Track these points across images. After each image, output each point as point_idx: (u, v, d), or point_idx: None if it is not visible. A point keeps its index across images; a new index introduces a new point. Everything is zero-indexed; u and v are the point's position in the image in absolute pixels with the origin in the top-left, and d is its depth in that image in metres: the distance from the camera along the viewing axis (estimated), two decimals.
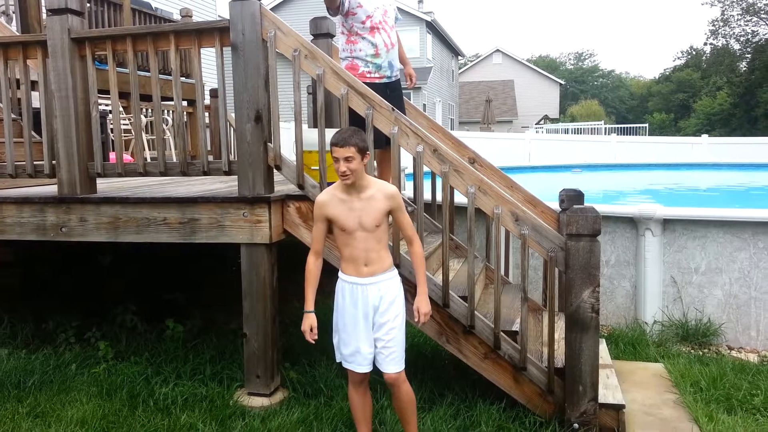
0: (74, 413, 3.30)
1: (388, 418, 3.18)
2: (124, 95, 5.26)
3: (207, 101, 8.21)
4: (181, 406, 3.38)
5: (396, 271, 2.84)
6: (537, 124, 35.94)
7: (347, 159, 2.60)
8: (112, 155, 4.41)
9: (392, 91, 4.13)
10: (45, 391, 3.63)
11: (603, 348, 4.01)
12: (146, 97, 4.41)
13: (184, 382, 3.67)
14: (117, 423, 3.22)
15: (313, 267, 2.87)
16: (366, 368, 2.79)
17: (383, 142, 3.61)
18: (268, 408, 3.38)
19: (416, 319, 2.80)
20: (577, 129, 30.17)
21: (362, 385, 2.85)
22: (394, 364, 2.75)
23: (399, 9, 4.40)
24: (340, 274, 2.83)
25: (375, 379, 2.92)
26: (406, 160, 3.91)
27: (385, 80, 4.11)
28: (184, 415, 3.25)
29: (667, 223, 4.76)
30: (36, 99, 4.26)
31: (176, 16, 9.23)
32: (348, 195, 2.71)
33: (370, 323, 2.75)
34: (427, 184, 4.65)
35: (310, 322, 2.83)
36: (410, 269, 3.24)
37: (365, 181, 2.72)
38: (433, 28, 29.89)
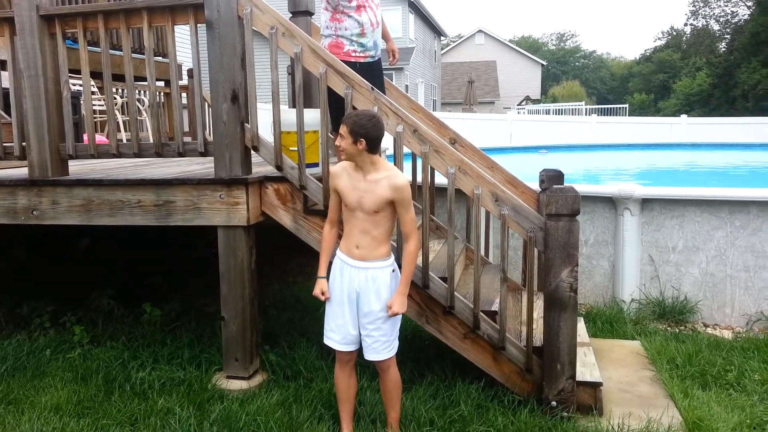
0: (48, 399, 3.25)
1: (368, 398, 3.19)
2: (98, 75, 5.14)
3: (184, 81, 8.06)
4: (158, 390, 3.35)
5: (391, 262, 2.77)
6: (519, 105, 35.98)
7: (340, 136, 2.64)
8: (97, 137, 4.30)
9: (373, 71, 4.08)
10: (18, 378, 3.57)
11: (581, 326, 4.04)
12: (120, 77, 4.30)
13: (161, 366, 3.64)
14: (92, 408, 3.18)
15: (327, 235, 2.89)
16: (347, 347, 2.80)
17: None
18: (247, 391, 3.36)
19: (386, 313, 2.74)
20: (559, 110, 30.26)
21: (348, 365, 2.85)
22: (375, 353, 2.76)
23: None
24: (338, 248, 2.84)
25: (360, 361, 2.91)
26: (387, 141, 3.87)
27: (369, 60, 4.06)
28: (161, 400, 3.22)
29: (645, 203, 4.80)
30: (5, 79, 4.14)
31: None
32: (356, 173, 2.70)
33: (354, 306, 2.75)
34: (408, 166, 4.63)
35: (321, 287, 2.83)
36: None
37: (375, 165, 2.66)
38: (415, 7, 29.61)
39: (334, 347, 2.83)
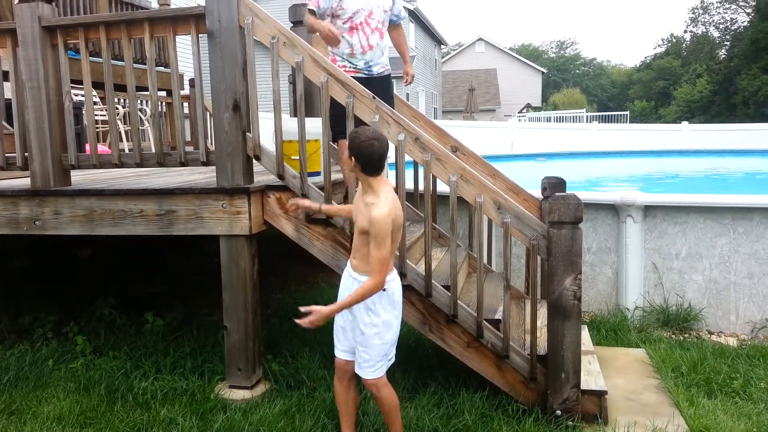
0: (51, 410, 3.24)
1: (371, 408, 3.17)
2: (100, 85, 5.16)
3: (186, 91, 8.09)
4: (160, 400, 3.34)
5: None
6: (520, 112, 36.02)
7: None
8: (99, 148, 4.31)
9: (373, 87, 4.02)
10: (20, 388, 3.56)
11: (585, 334, 4.02)
12: (122, 87, 4.33)
13: (164, 376, 3.62)
14: (95, 419, 3.17)
15: None
16: (342, 354, 2.79)
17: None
18: (249, 401, 3.34)
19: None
20: (560, 117, 30.30)
21: (345, 376, 2.82)
22: (362, 369, 2.72)
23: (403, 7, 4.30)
24: None
25: None
26: (389, 150, 3.87)
27: (361, 75, 4.01)
28: (163, 410, 3.20)
29: (648, 210, 4.79)
30: (8, 90, 4.15)
31: (155, 5, 9.06)
32: (362, 189, 2.68)
33: (353, 315, 2.72)
34: (410, 174, 4.63)
35: None
36: (416, 276, 3.22)
37: (372, 188, 2.61)
38: (415, 16, 29.73)
39: (335, 352, 2.82)
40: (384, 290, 2.64)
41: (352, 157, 2.57)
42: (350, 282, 2.73)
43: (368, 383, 2.72)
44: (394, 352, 2.81)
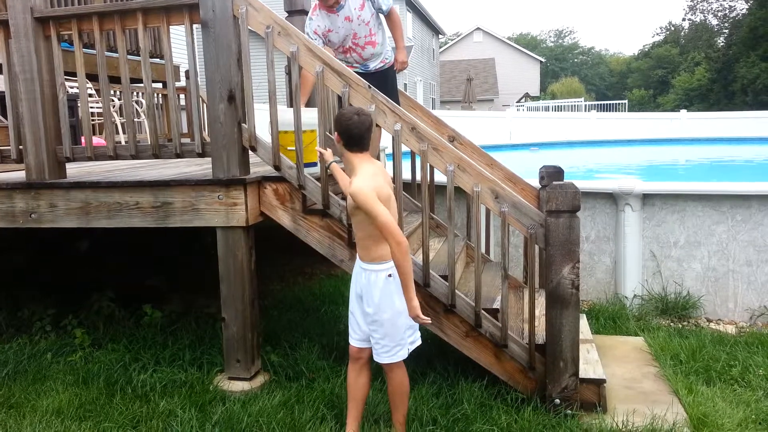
0: (50, 403, 3.24)
1: (370, 398, 3.16)
2: (95, 77, 5.12)
3: (183, 83, 8.04)
4: (159, 392, 3.33)
5: (386, 267, 2.65)
6: (518, 102, 35.92)
7: None
8: (95, 140, 4.28)
9: (373, 80, 4.03)
10: (19, 381, 3.56)
11: (583, 323, 4.02)
12: (118, 80, 4.29)
13: (162, 368, 3.62)
14: (94, 411, 3.17)
15: None
16: (356, 342, 2.80)
17: None
18: (248, 392, 3.34)
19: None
20: (558, 106, 30.23)
21: (358, 362, 2.82)
22: (376, 355, 2.74)
23: None
24: None
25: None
26: (386, 140, 3.86)
27: (358, 70, 4.17)
28: (162, 402, 3.20)
29: (646, 198, 4.77)
30: (1, 82, 4.12)
31: None
32: (348, 171, 2.71)
33: (357, 301, 2.77)
34: (407, 164, 4.61)
35: None
36: (413, 266, 3.18)
37: (355, 167, 2.63)
38: (412, 6, 29.57)
39: (349, 340, 2.84)
40: (390, 276, 2.65)
41: (336, 134, 2.62)
42: (360, 273, 2.74)
43: (386, 366, 2.75)
44: (418, 334, 2.82)
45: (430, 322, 2.66)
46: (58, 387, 3.44)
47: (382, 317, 2.67)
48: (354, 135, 2.60)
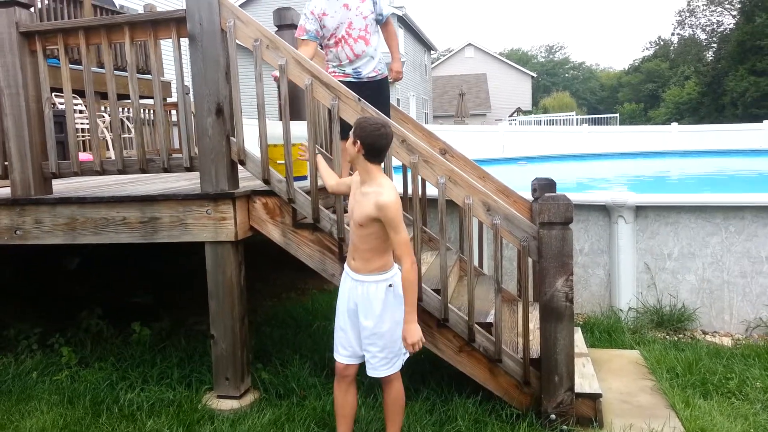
0: (33, 423, 3.15)
1: (363, 416, 3.10)
2: (84, 94, 5.10)
3: (175, 99, 8.01)
4: (147, 411, 3.26)
5: (388, 276, 2.62)
6: (510, 116, 36.11)
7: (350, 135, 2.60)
8: (81, 155, 4.24)
9: (365, 90, 3.98)
10: (3, 402, 3.47)
11: (578, 336, 3.98)
12: (106, 95, 4.27)
13: (150, 387, 3.54)
14: None
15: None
16: (344, 359, 2.72)
17: (349, 132, 3.51)
18: (237, 411, 3.27)
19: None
20: (550, 120, 30.38)
21: (345, 380, 2.75)
22: (373, 369, 2.67)
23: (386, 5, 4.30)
24: None
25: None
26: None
27: (351, 79, 4.09)
28: (150, 421, 3.12)
29: (639, 210, 4.76)
30: None
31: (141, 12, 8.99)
32: (359, 181, 2.64)
33: (354, 318, 2.68)
34: (399, 177, 4.58)
35: None
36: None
37: (371, 176, 2.57)
38: (404, 22, 29.78)
39: (335, 356, 2.76)
40: (390, 286, 2.61)
41: (357, 142, 2.53)
42: (353, 285, 2.66)
43: (384, 378, 2.69)
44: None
45: (421, 348, 2.59)
46: (42, 407, 3.36)
47: (383, 329, 2.61)
48: (378, 147, 2.55)
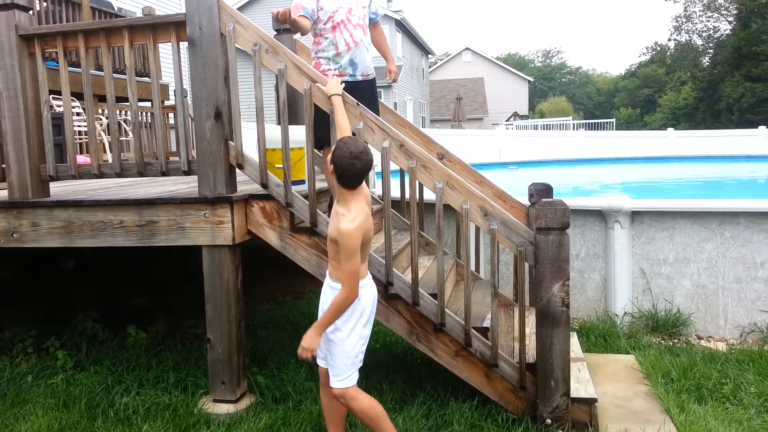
0: (28, 427, 3.15)
1: (359, 421, 3.10)
2: (82, 96, 5.10)
3: (173, 102, 8.02)
4: (142, 415, 3.26)
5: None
6: (507, 120, 36.18)
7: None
8: (79, 158, 4.24)
9: (358, 92, 3.94)
10: None
11: (574, 341, 3.99)
12: (105, 98, 4.28)
13: (146, 390, 3.54)
14: None
15: None
16: (322, 363, 2.76)
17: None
18: (233, 415, 3.27)
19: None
20: (547, 125, 30.47)
21: (327, 386, 2.76)
22: (331, 376, 2.67)
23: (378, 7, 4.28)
24: None
25: None
26: (375, 157, 3.82)
27: (347, 78, 3.88)
28: (145, 426, 3.12)
29: (635, 215, 4.78)
30: None
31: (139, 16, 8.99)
32: (338, 197, 2.65)
33: None
34: (396, 182, 4.59)
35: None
36: (403, 285, 3.19)
37: (344, 198, 2.58)
38: (402, 26, 29.87)
39: (317, 360, 2.76)
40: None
41: (332, 165, 2.56)
42: (328, 290, 2.71)
43: (335, 392, 2.67)
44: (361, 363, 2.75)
45: (309, 358, 2.58)
46: (37, 411, 3.35)
47: (337, 336, 2.62)
48: (352, 178, 2.55)
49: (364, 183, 2.65)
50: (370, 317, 2.72)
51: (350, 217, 2.51)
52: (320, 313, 2.71)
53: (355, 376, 2.68)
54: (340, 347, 2.63)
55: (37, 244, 3.53)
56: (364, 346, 2.71)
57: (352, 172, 2.52)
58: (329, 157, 2.60)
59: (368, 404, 2.69)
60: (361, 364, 2.72)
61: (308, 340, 2.56)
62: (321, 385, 2.79)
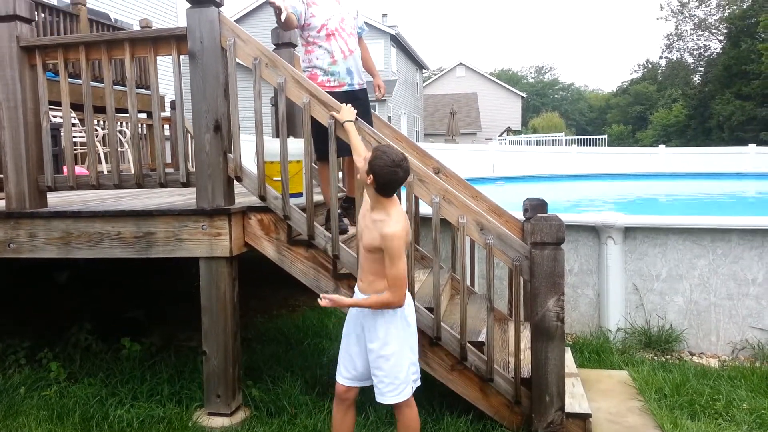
0: None
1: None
2: (81, 107, 5.11)
3: (167, 113, 8.04)
4: (137, 428, 3.24)
5: None
6: (500, 136, 36.40)
7: (365, 159, 2.61)
8: (77, 169, 4.23)
9: (355, 101, 3.97)
10: None
11: (568, 356, 4.01)
12: (102, 109, 4.29)
13: (140, 403, 3.52)
14: None
15: None
16: (344, 381, 2.72)
17: (347, 151, 3.52)
18: (228, 428, 3.26)
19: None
20: (539, 140, 30.66)
21: (344, 403, 2.74)
22: (380, 395, 2.65)
23: (364, 23, 4.31)
24: None
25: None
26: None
27: (345, 88, 3.91)
28: None
29: (628, 231, 4.82)
30: None
31: (136, 28, 9.04)
32: (370, 207, 2.64)
33: (356, 339, 2.69)
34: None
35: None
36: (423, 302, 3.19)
37: (381, 205, 2.57)
38: (397, 41, 30.07)
39: (336, 378, 2.74)
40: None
41: (371, 176, 2.53)
42: (356, 310, 2.69)
43: (394, 406, 2.68)
44: (419, 374, 2.77)
45: (328, 304, 2.59)
46: (31, 423, 3.33)
47: (387, 351, 2.60)
48: (393, 187, 2.55)
49: None
50: (415, 330, 2.72)
51: (392, 220, 2.53)
52: (352, 335, 2.71)
53: (411, 389, 2.68)
54: (394, 360, 2.61)
55: (34, 254, 3.53)
56: (415, 357, 2.71)
57: (394, 180, 2.53)
58: (368, 159, 2.57)
59: (415, 416, 2.71)
60: (417, 376, 2.73)
61: (338, 297, 2.58)
62: (337, 402, 2.75)
